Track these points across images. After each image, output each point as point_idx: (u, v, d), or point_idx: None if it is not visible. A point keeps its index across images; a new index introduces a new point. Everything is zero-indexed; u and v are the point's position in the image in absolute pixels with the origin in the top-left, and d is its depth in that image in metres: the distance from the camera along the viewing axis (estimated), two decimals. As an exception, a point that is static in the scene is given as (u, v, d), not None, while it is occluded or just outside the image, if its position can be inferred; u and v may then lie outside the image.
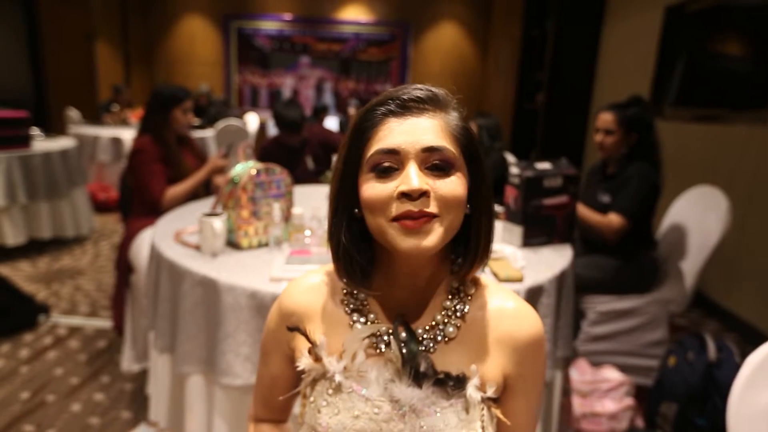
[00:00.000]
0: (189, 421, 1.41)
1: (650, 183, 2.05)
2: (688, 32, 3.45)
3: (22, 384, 2.08)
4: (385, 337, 0.66)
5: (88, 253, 3.66)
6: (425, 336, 0.65)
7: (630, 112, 2.07)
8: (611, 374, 1.84)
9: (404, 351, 0.63)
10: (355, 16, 7.63)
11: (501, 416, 0.66)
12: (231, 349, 1.28)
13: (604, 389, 1.80)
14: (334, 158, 0.78)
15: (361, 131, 0.62)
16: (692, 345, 1.88)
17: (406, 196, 0.57)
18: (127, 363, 2.00)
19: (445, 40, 7.60)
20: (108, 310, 2.68)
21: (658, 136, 2.12)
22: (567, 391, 1.81)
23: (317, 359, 0.67)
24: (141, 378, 2.04)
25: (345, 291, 0.70)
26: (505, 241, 1.76)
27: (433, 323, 0.66)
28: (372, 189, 0.59)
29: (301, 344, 0.69)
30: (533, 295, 1.39)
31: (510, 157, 3.65)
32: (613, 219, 2.03)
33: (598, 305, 2.15)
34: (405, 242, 0.57)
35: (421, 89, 0.62)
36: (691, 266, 2.20)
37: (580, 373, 1.86)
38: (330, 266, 0.75)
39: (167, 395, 1.53)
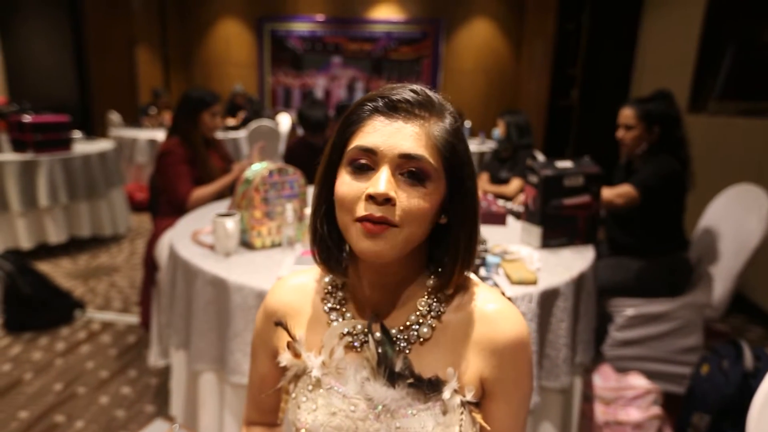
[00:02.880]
0: (202, 417, 1.44)
1: (670, 170, 1.97)
2: (734, 21, 3.27)
3: (56, 376, 2.17)
4: (361, 336, 0.65)
5: (124, 251, 3.80)
6: (399, 336, 0.64)
7: (650, 107, 2.00)
8: (637, 381, 1.76)
9: (379, 351, 0.62)
10: (386, 15, 7.61)
11: (481, 421, 0.64)
12: (239, 348, 1.29)
13: (629, 397, 1.72)
14: None
15: (347, 124, 0.62)
16: (728, 353, 1.77)
17: (372, 198, 0.56)
18: (154, 358, 2.06)
19: (477, 37, 7.48)
20: (139, 306, 2.77)
21: (685, 131, 2.02)
22: (589, 398, 1.74)
23: (296, 355, 0.68)
24: (166, 373, 2.09)
25: (326, 290, 0.71)
26: (524, 242, 1.71)
27: (407, 323, 0.65)
28: (344, 185, 0.59)
29: (284, 341, 0.70)
30: (548, 298, 1.34)
31: (540, 155, 3.56)
32: (622, 186, 1.97)
33: (626, 309, 2.06)
34: (362, 243, 0.57)
35: (416, 92, 0.61)
36: (728, 269, 2.08)
37: (604, 379, 1.78)
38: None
39: (184, 391, 1.57)
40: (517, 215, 2.03)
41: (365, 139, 0.59)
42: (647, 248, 2.05)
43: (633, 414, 1.69)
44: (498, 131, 3.25)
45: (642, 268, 2.05)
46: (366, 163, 0.59)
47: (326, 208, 0.65)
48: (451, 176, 0.60)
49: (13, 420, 1.88)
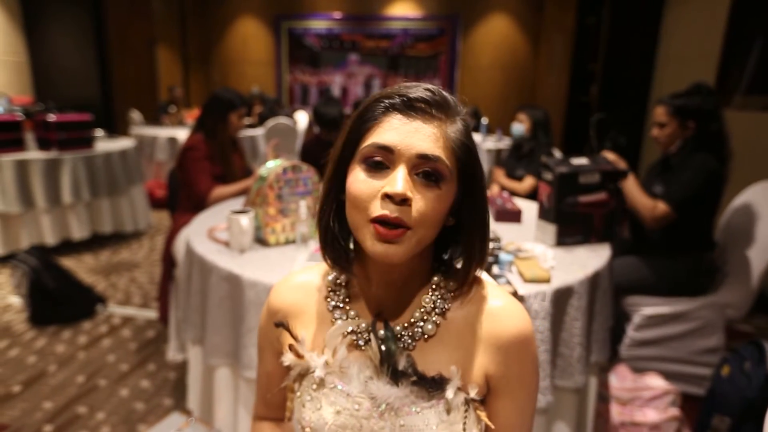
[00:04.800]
0: (217, 411, 1.46)
1: (707, 175, 1.89)
2: (761, 14, 3.17)
3: (79, 368, 2.23)
4: (365, 334, 0.65)
5: (144, 247, 3.87)
6: (404, 333, 0.64)
7: (682, 101, 1.93)
8: (655, 382, 1.73)
9: (382, 348, 0.62)
10: (403, 11, 7.60)
11: (486, 419, 0.64)
12: (253, 343, 1.31)
13: (646, 397, 1.69)
14: None
15: (362, 120, 0.61)
16: (750, 354, 1.73)
17: (389, 197, 0.56)
18: (172, 353, 2.10)
19: (495, 33, 7.41)
20: (157, 301, 2.82)
21: (724, 125, 1.94)
22: (605, 398, 1.72)
23: (298, 355, 0.68)
24: (184, 367, 2.13)
25: (330, 289, 0.70)
26: (539, 240, 1.70)
27: (412, 320, 0.65)
28: (358, 183, 0.58)
29: (288, 340, 0.70)
30: (561, 297, 1.33)
31: (557, 153, 3.51)
32: (659, 205, 1.90)
33: (644, 308, 2.02)
34: (375, 247, 0.57)
35: (432, 91, 0.60)
36: (753, 267, 2.02)
37: (620, 379, 1.76)
38: (323, 265, 0.75)
39: (200, 385, 1.59)
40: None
41: (382, 137, 0.58)
42: (673, 247, 2.00)
43: (650, 415, 1.66)
44: (519, 127, 3.19)
45: (665, 268, 2.00)
46: (381, 161, 0.58)
47: (337, 206, 0.64)
48: (464, 178, 0.61)
49: (37, 410, 1.94)
